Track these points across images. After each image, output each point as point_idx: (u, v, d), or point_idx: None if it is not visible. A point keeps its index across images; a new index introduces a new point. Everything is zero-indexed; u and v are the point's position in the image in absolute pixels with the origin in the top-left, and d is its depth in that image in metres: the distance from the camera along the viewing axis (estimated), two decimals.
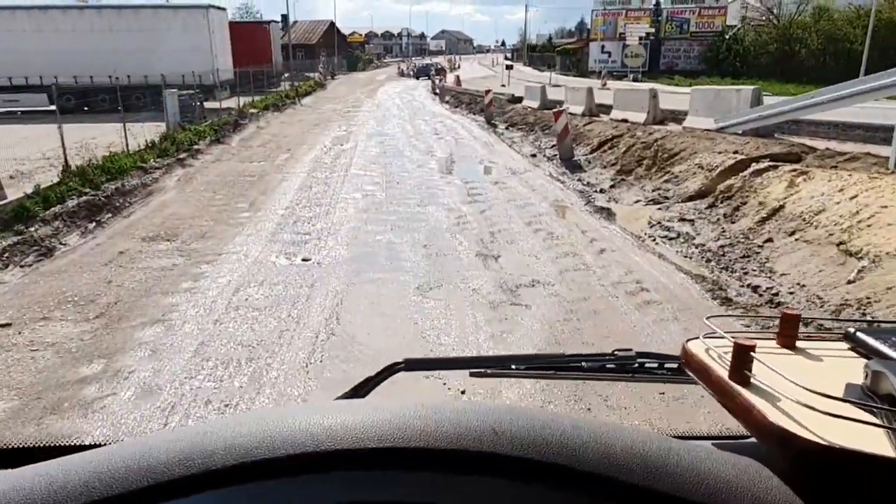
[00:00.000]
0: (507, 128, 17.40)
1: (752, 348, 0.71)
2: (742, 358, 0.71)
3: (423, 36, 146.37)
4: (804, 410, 0.63)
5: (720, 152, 8.32)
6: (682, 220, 7.19)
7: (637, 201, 8.34)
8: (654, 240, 6.98)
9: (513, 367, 1.06)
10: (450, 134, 16.58)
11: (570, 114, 15.66)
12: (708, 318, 0.86)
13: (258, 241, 7.21)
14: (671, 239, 6.88)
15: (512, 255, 6.65)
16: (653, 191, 8.53)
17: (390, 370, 1.02)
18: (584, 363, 1.06)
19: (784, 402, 0.65)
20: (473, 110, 22.04)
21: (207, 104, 19.15)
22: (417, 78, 38.70)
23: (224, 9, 24.67)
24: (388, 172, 11.33)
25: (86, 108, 20.75)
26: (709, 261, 6.20)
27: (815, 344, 0.83)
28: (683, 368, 0.89)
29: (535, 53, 66.61)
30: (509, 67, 32.04)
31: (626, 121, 12.74)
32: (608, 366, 1.06)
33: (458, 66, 66.86)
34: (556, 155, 12.45)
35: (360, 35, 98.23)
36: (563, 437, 0.61)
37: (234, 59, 28.70)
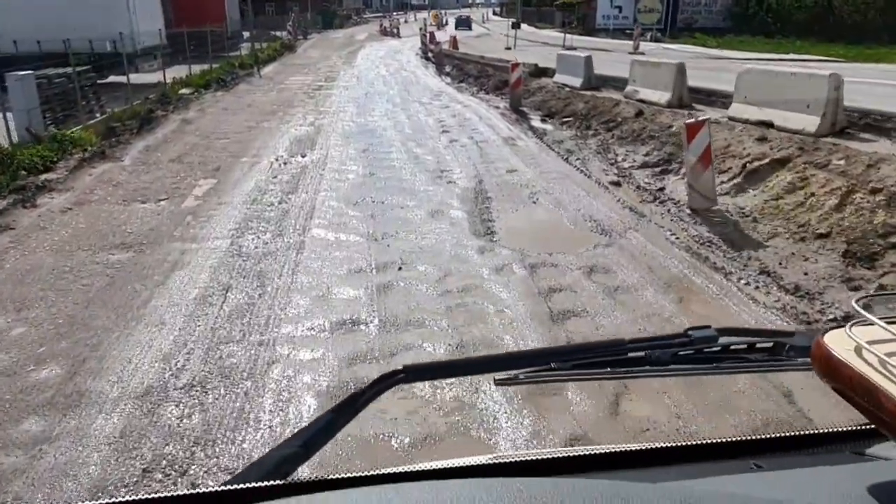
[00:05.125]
0: (542, 119, 12.20)
1: None
2: None
3: None
4: None
5: None
6: None
7: None
8: None
9: (553, 365, 0.84)
10: (464, 131, 11.36)
11: (641, 101, 10.58)
12: (858, 300, 0.65)
13: None
14: None
15: None
16: None
17: (385, 381, 0.83)
18: (648, 353, 0.85)
19: None
20: (485, 87, 16.70)
21: (117, 79, 13.66)
22: (457, 27, 44.45)
23: None
24: (378, 234, 6.21)
25: None
26: None
27: None
28: (787, 353, 0.80)
29: (531, 8, 60.20)
30: (516, 26, 26.40)
31: (768, 125, 7.70)
32: (682, 353, 0.86)
33: (446, 23, 60.65)
34: (662, 189, 7.41)
35: None
36: None
37: (174, 17, 22.91)
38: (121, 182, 7.99)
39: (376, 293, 4.93)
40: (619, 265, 5.43)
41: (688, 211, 6.39)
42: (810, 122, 7.16)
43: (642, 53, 23.85)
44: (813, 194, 5.75)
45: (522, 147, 10.02)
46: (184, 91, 14.50)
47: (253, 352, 4.09)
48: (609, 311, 4.65)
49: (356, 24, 67.76)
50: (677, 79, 9.94)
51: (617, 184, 7.83)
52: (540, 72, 16.17)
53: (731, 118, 8.53)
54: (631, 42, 28.66)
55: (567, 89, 13.39)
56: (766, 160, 6.73)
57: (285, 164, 9.13)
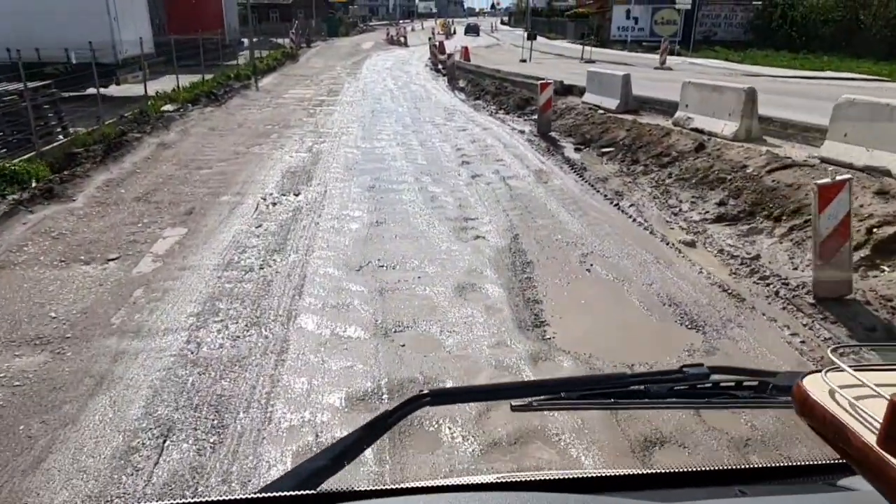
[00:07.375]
0: (576, 149, 10.56)
1: None
2: None
3: None
4: None
5: None
6: None
7: None
8: None
9: (563, 394, 0.93)
10: (488, 163, 9.72)
11: (697, 131, 8.99)
12: (833, 349, 0.70)
13: None
14: None
15: None
16: None
17: (413, 403, 0.89)
18: (647, 386, 0.94)
19: None
20: (505, 106, 15.08)
21: (92, 91, 12.08)
22: (466, 34, 51.37)
23: None
24: (389, 324, 4.56)
25: None
26: None
27: None
28: (770, 392, 0.87)
29: (542, 18, 58.74)
30: (532, 37, 24.83)
31: (883, 173, 6.08)
32: (677, 388, 0.96)
33: (454, 32, 59.42)
34: (757, 257, 5.76)
35: None
36: None
37: (167, 24, 21.48)
38: (64, 232, 6.36)
39: (389, 444, 3.29)
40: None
41: (809, 299, 4.73)
42: None
43: (669, 69, 22.32)
44: None
45: (559, 186, 8.39)
46: (167, 108, 12.88)
47: None
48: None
49: (362, 31, 66.44)
50: (746, 107, 8.31)
51: (691, 244, 6.19)
52: (566, 90, 14.60)
53: (824, 160, 6.91)
54: (652, 55, 27.15)
55: (601, 112, 11.79)
56: None
57: (274, 205, 7.52)
